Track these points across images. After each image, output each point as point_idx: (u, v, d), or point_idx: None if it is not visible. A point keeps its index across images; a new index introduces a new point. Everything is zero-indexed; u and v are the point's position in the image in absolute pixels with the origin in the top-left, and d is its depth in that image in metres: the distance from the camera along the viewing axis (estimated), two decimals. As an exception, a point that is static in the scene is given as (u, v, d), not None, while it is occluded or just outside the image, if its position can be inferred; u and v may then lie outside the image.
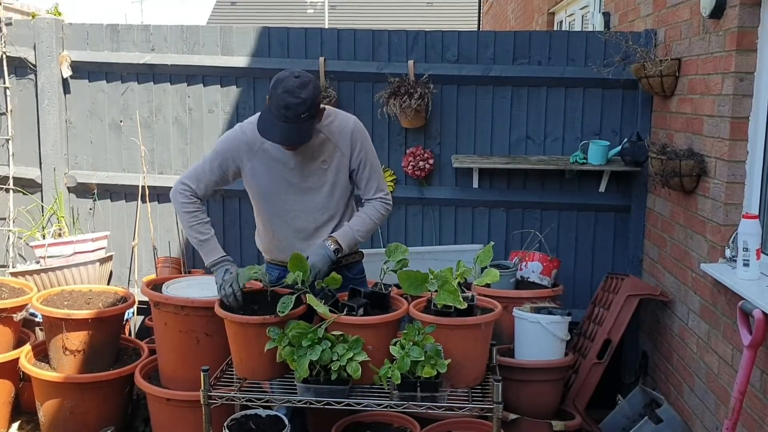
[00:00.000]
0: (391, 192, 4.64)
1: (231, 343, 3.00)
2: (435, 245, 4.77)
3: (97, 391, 3.85)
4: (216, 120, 4.84)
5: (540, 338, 3.73)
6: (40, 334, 4.25)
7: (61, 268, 4.39)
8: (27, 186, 4.94)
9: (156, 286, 3.62)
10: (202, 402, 2.88)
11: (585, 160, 4.47)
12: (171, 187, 4.79)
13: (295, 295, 2.89)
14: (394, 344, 2.78)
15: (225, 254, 3.18)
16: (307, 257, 2.98)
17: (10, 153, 4.90)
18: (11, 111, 4.89)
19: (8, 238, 4.91)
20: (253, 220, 3.38)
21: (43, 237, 4.78)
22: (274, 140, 2.92)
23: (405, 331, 2.82)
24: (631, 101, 4.54)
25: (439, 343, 2.78)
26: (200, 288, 3.60)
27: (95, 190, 4.96)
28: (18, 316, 4.00)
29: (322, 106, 3.00)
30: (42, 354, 4.04)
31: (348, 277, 3.22)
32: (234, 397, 2.92)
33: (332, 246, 3.06)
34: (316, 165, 3.09)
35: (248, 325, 2.88)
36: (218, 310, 2.98)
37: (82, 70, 4.87)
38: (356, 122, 3.15)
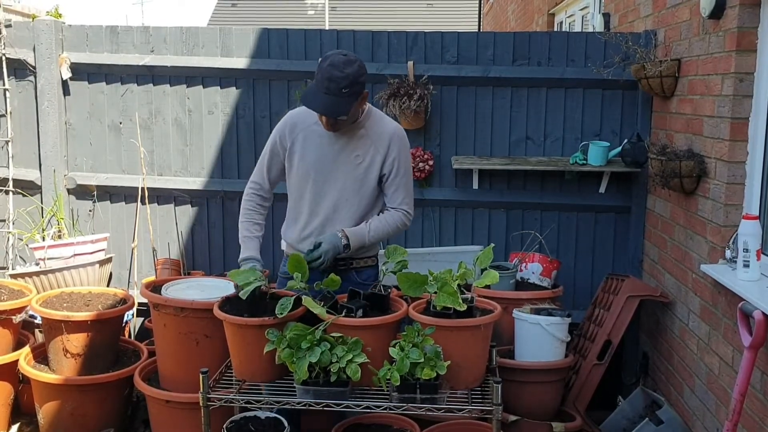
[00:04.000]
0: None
1: (230, 345, 2.99)
2: (435, 246, 4.76)
3: (96, 393, 3.84)
4: (215, 121, 4.84)
5: (540, 339, 3.73)
6: (40, 336, 4.25)
7: (60, 269, 4.39)
8: (27, 188, 4.93)
9: (155, 287, 3.62)
10: (201, 404, 2.87)
11: (585, 161, 4.47)
12: (170, 189, 4.87)
13: (294, 297, 2.89)
14: (394, 346, 2.78)
15: (253, 254, 3.24)
16: (320, 243, 3.09)
17: (10, 155, 4.89)
18: (11, 113, 4.89)
19: (8, 239, 4.91)
20: None
21: (43, 239, 4.78)
22: (314, 108, 3.01)
23: (404, 333, 2.81)
24: (631, 102, 4.54)
25: (439, 344, 2.77)
26: (200, 290, 3.59)
27: (95, 192, 4.96)
28: (17, 318, 4.00)
29: (366, 91, 3.08)
30: (41, 356, 4.03)
31: (356, 281, 3.23)
32: (233, 399, 2.92)
33: (344, 240, 3.13)
34: (350, 157, 3.16)
35: (247, 327, 2.88)
36: (217, 312, 2.97)
37: (82, 72, 4.87)
38: (398, 129, 3.23)
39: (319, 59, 3.04)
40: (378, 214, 3.26)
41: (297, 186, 3.27)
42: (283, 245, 3.43)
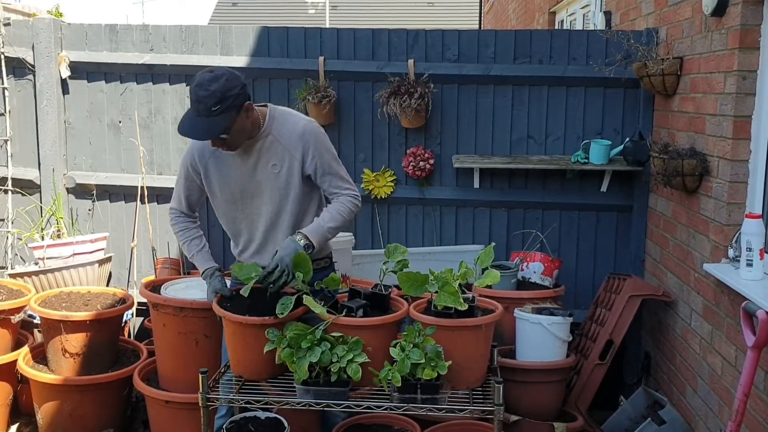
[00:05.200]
0: (391, 192, 4.68)
1: (228, 342, 2.97)
2: (436, 246, 4.74)
3: (95, 394, 3.83)
4: (215, 120, 4.81)
5: (541, 339, 3.71)
6: (39, 336, 4.24)
7: (59, 269, 4.37)
8: (26, 187, 4.92)
9: (155, 287, 3.61)
10: (200, 404, 2.85)
11: (586, 160, 4.45)
12: (170, 188, 4.82)
13: (296, 296, 2.87)
14: (394, 346, 2.76)
15: (209, 264, 3.13)
16: (276, 251, 2.92)
17: (9, 154, 4.88)
18: (10, 112, 4.87)
19: (7, 239, 4.89)
20: None
21: (42, 238, 4.76)
22: (185, 134, 2.84)
23: (405, 333, 2.79)
24: (632, 100, 4.52)
25: (440, 344, 2.75)
26: (200, 289, 3.58)
27: (94, 191, 4.95)
28: (16, 318, 3.98)
29: (248, 102, 2.86)
30: (40, 356, 4.02)
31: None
32: (233, 399, 2.90)
33: (302, 241, 2.93)
34: (267, 169, 3.00)
35: (247, 326, 2.86)
36: (216, 309, 2.94)
37: (81, 71, 4.85)
38: (307, 125, 3.02)
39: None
40: (324, 207, 3.12)
41: (225, 210, 3.14)
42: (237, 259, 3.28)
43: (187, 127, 2.82)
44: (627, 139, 4.42)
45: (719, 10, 3.32)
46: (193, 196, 3.18)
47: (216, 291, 3.04)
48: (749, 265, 3.02)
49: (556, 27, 8.28)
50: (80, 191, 4.96)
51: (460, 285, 2.84)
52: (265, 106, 3.05)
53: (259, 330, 2.83)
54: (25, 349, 4.04)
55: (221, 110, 2.76)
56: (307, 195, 3.09)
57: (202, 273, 3.14)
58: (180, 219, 3.22)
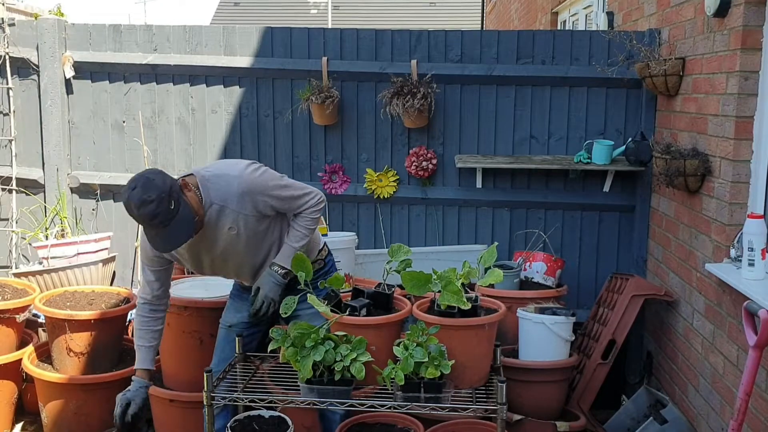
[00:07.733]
0: (393, 192, 4.69)
1: None
2: (438, 245, 4.76)
3: (100, 392, 3.83)
4: (219, 120, 4.84)
5: (544, 339, 3.72)
6: (43, 335, 4.25)
7: (63, 269, 4.38)
8: (30, 187, 4.94)
9: (159, 286, 3.60)
10: (205, 403, 2.87)
11: (589, 160, 4.46)
12: (174, 188, 4.86)
13: (299, 296, 2.89)
14: (398, 345, 2.77)
15: (145, 368, 3.06)
16: (258, 288, 3.01)
17: (13, 154, 4.90)
18: (14, 111, 4.89)
19: (11, 238, 4.91)
20: None
21: (46, 238, 4.78)
22: (168, 248, 2.76)
23: (408, 332, 2.80)
24: (635, 101, 4.53)
25: (443, 343, 2.76)
26: (203, 289, 3.60)
27: (98, 191, 4.96)
28: (21, 317, 3.99)
29: (180, 181, 2.79)
30: (45, 355, 4.03)
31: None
32: (237, 397, 2.91)
33: (280, 271, 2.99)
34: (224, 234, 2.92)
35: None
36: None
37: (85, 71, 4.87)
38: (240, 181, 2.86)
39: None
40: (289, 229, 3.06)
41: (202, 273, 3.18)
42: None
43: (163, 242, 2.71)
44: (629, 139, 4.43)
45: (721, 11, 3.33)
46: (163, 273, 3.07)
47: (127, 400, 2.99)
48: (751, 264, 3.03)
49: (559, 27, 8.29)
50: (84, 191, 4.98)
51: (463, 284, 2.85)
52: (191, 175, 2.92)
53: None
54: (30, 348, 4.05)
55: (176, 203, 2.68)
56: (276, 226, 3.04)
57: (135, 373, 3.07)
58: (144, 302, 3.11)
